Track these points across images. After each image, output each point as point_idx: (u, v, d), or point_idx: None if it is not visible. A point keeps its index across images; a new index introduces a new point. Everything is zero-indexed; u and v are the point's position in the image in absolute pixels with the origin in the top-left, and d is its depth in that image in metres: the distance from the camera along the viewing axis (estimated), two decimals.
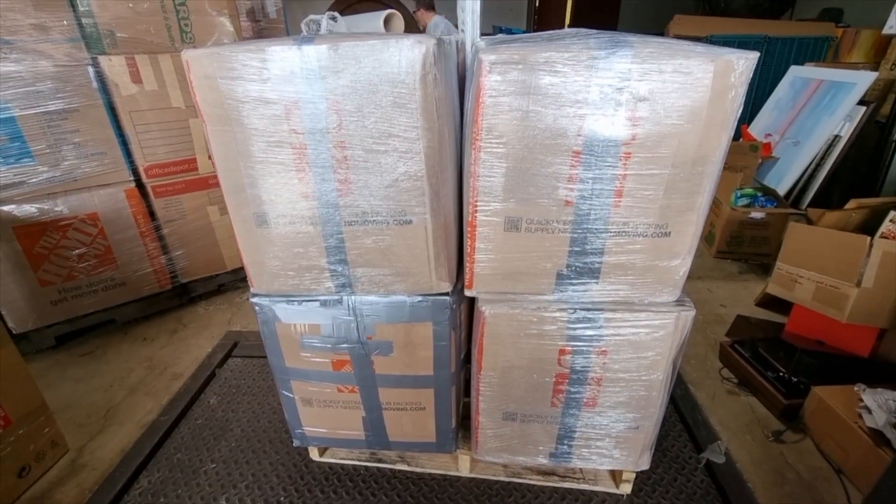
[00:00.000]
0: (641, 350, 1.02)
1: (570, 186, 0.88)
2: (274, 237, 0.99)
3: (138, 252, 1.98)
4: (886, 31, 3.00)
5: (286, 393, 1.22)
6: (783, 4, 4.76)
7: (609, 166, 0.86)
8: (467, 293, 1.04)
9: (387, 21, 1.56)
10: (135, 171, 1.92)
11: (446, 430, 1.23)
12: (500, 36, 1.06)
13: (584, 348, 1.03)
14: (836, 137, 2.90)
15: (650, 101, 0.80)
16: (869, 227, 1.72)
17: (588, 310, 1.00)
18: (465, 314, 1.19)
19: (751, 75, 0.79)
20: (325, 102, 0.84)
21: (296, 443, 1.31)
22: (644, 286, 0.98)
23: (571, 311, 1.00)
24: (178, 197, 2.04)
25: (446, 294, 1.04)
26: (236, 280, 2.33)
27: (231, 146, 0.91)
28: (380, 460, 1.37)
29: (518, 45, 0.81)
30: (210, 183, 2.10)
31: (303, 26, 1.60)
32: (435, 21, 3.70)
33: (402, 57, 0.80)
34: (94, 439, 1.48)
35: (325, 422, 1.25)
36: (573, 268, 0.97)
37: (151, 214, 2.00)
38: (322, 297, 1.06)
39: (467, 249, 0.99)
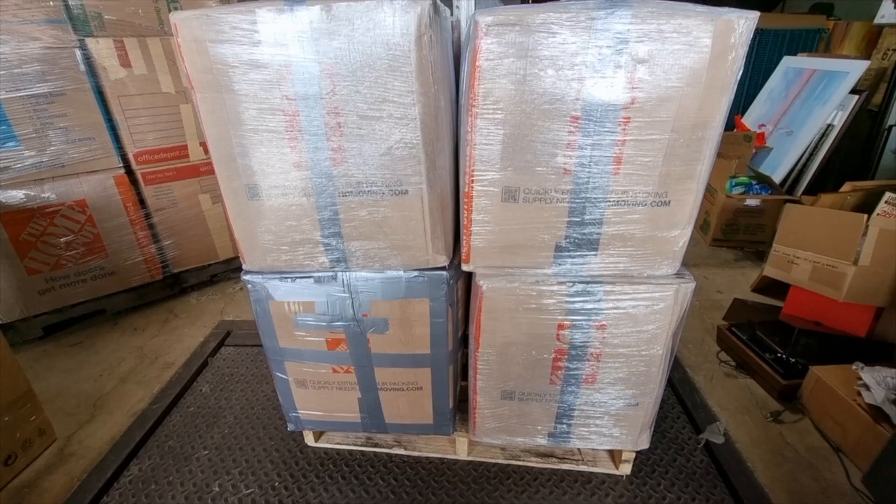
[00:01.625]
0: (641, 324, 1.01)
1: (568, 153, 0.87)
2: (266, 210, 0.96)
3: (128, 241, 1.94)
4: (878, 20, 3.02)
5: (280, 374, 1.19)
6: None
7: (608, 132, 0.84)
8: (464, 267, 1.02)
9: None
10: (124, 158, 1.89)
11: (444, 410, 1.21)
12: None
13: (583, 323, 1.01)
14: (829, 126, 2.92)
15: (650, 62, 0.78)
16: (864, 208, 1.72)
17: (587, 283, 0.98)
18: (462, 292, 1.17)
19: (751, 36, 0.77)
20: (318, 66, 0.82)
21: (290, 427, 1.29)
22: (643, 258, 0.97)
23: (570, 284, 0.99)
24: (169, 184, 2.01)
25: (443, 269, 1.02)
26: (228, 270, 2.30)
27: (221, 114, 0.88)
28: (376, 445, 1.34)
29: (515, 8, 0.79)
30: (202, 171, 2.07)
31: None
32: None
33: (396, 18, 0.78)
34: (83, 428, 1.45)
35: (321, 404, 1.23)
36: (572, 239, 0.96)
37: (141, 202, 1.96)
38: (316, 273, 1.04)
39: (464, 222, 0.97)
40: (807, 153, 2.97)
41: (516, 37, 0.78)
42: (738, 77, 0.81)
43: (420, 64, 0.82)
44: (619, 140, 0.84)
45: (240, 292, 2.22)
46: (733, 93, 0.82)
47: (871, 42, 3.23)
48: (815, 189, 2.87)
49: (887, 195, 1.66)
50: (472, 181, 0.91)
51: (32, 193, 1.70)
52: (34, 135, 1.67)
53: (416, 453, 1.33)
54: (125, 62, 1.78)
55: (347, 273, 1.04)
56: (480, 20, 0.78)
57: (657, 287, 0.97)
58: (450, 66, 0.96)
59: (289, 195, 0.94)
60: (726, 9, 0.77)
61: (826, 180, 2.91)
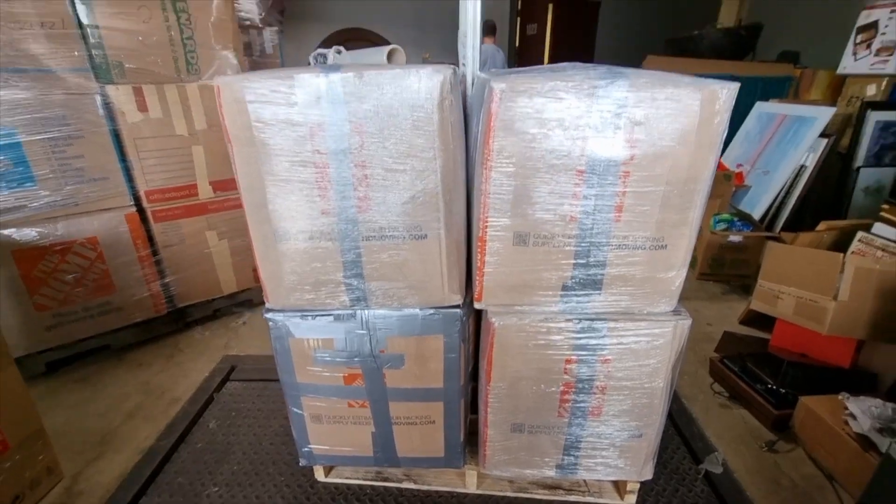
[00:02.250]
0: (643, 358, 1.08)
1: (574, 203, 0.96)
2: (293, 252, 1.03)
3: (136, 276, 1.97)
4: (840, 71, 3.29)
5: (295, 410, 1.23)
6: (745, 48, 5.13)
7: (610, 184, 0.93)
8: (477, 306, 1.09)
9: (389, 56, 1.66)
10: (135, 196, 1.94)
11: (455, 444, 1.24)
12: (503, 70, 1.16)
13: (589, 357, 1.08)
14: (802, 167, 3.11)
15: (645, 125, 0.89)
16: (839, 246, 1.84)
17: (592, 320, 1.06)
18: (472, 328, 1.23)
19: (733, 103, 0.89)
20: (349, 125, 0.91)
21: (302, 462, 1.31)
22: (643, 296, 1.05)
23: (577, 321, 1.06)
24: (177, 222, 2.06)
25: (457, 307, 1.09)
26: (232, 305, 2.33)
27: (255, 165, 0.96)
28: (386, 479, 1.36)
29: (525, 76, 0.90)
30: (209, 208, 2.13)
31: (311, 59, 1.69)
32: (484, 47, 3.77)
33: (421, 84, 0.88)
34: (90, 465, 1.44)
35: (334, 439, 1.26)
36: (578, 279, 1.03)
37: (150, 239, 2.01)
38: (336, 312, 1.10)
39: (477, 263, 1.04)
40: (783, 192, 3.15)
41: (527, 101, 0.88)
42: (724, 137, 0.91)
43: (442, 124, 0.91)
44: (619, 191, 0.94)
45: (243, 327, 2.24)
46: (720, 151, 0.93)
47: (836, 89, 3.49)
48: (792, 225, 3.04)
49: (860, 234, 1.79)
50: (486, 227, 0.99)
51: (46, 231, 1.74)
52: (51, 175, 1.73)
53: (425, 487, 1.35)
54: (142, 107, 1.87)
55: (366, 311, 1.10)
56: (496, 87, 0.88)
57: (657, 324, 1.05)
58: (462, 121, 1.06)
59: (315, 239, 1.01)
60: (711, 80, 0.88)
61: (802, 217, 3.08)
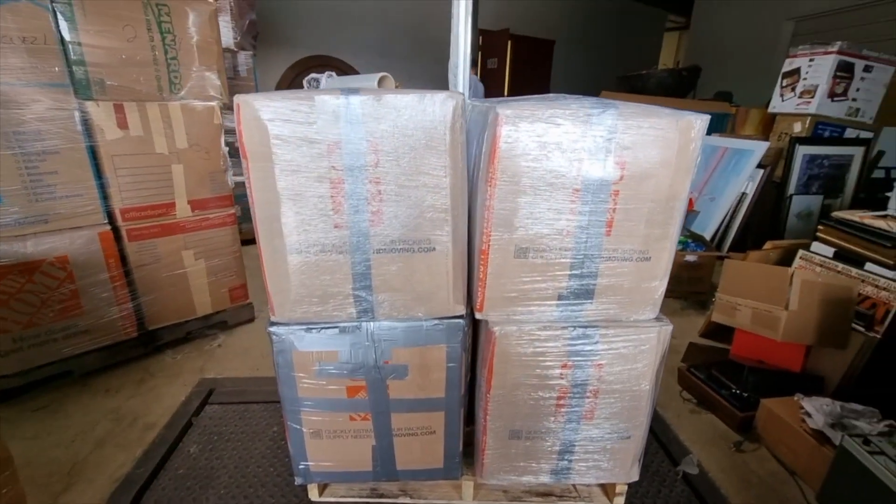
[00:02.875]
0: (631, 362, 1.16)
1: (570, 218, 1.05)
2: (303, 265, 1.05)
3: (106, 297, 1.89)
4: (771, 110, 3.69)
5: (294, 425, 1.22)
6: (687, 87, 5.66)
7: (602, 202, 1.04)
8: (478, 316, 1.15)
9: (380, 82, 1.74)
10: (109, 214, 1.88)
11: (454, 454, 1.27)
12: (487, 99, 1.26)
13: (583, 363, 1.15)
14: (744, 194, 3.44)
15: (633, 149, 1.00)
16: (783, 263, 2.06)
17: (585, 327, 1.14)
18: (470, 339, 1.28)
19: (705, 131, 1.02)
20: (366, 143, 0.97)
21: (298, 480, 1.29)
22: (630, 305, 1.15)
23: (571, 328, 1.14)
24: (153, 241, 2.00)
25: (460, 317, 1.14)
26: (205, 327, 2.25)
27: (270, 181, 0.99)
28: (381, 496, 1.36)
29: (526, 104, 0.99)
30: (187, 227, 2.09)
31: (305, 82, 1.75)
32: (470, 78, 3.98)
33: (436, 108, 0.96)
34: (59, 497, 1.35)
35: (333, 454, 1.25)
36: (572, 289, 1.12)
37: (123, 259, 1.94)
38: (342, 324, 1.12)
39: (479, 275, 1.11)
40: (728, 216, 3.45)
41: (529, 126, 0.98)
42: (698, 162, 1.04)
43: (452, 144, 0.99)
44: (610, 208, 1.04)
45: (218, 349, 2.17)
46: (695, 173, 1.06)
47: (767, 125, 3.91)
48: (738, 246, 3.32)
49: (801, 252, 2.01)
50: (489, 240, 1.06)
51: (12, 249, 1.65)
52: (22, 191, 1.65)
53: (422, 501, 1.36)
54: (122, 124, 1.83)
55: (372, 323, 1.13)
56: (501, 112, 0.97)
57: (643, 329, 1.15)
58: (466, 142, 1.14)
59: (327, 252, 1.04)
60: (687, 112, 1.02)
61: (746, 238, 3.38)
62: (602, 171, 1.01)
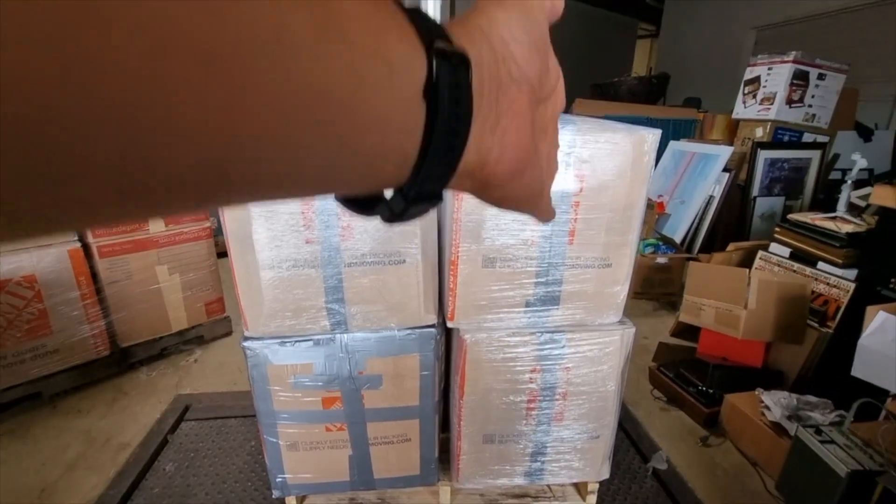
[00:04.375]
0: (596, 364, 1.22)
1: (534, 228, 1.10)
2: (276, 280, 1.07)
3: (76, 316, 1.86)
4: (734, 116, 3.85)
5: (270, 439, 1.23)
6: (657, 94, 5.85)
7: (563, 212, 1.09)
8: (449, 324, 1.18)
9: None
10: (79, 231, 1.86)
11: (430, 460, 1.30)
12: None
13: (552, 366, 1.20)
14: (711, 197, 3.57)
15: (591, 162, 1.05)
16: (745, 263, 2.15)
17: (552, 332, 1.19)
18: (442, 347, 1.31)
19: (657, 145, 1.08)
20: None
21: (275, 494, 1.29)
22: (594, 309, 1.20)
23: (539, 334, 1.18)
24: (125, 256, 1.98)
25: (432, 326, 1.18)
26: (181, 342, 2.23)
27: None
28: None
29: None
30: (160, 243, 2.07)
31: None
32: None
33: None
34: None
35: (310, 466, 1.27)
36: (539, 296, 1.16)
37: (93, 276, 1.91)
38: (316, 336, 1.14)
39: (449, 285, 1.14)
40: (697, 218, 3.58)
41: None
42: (652, 173, 1.10)
43: None
44: (572, 218, 1.09)
45: (194, 365, 2.15)
46: (650, 183, 1.12)
47: (732, 130, 4.07)
48: (707, 247, 3.45)
49: (760, 253, 2.11)
50: (458, 251, 1.10)
51: None
52: None
53: None
54: None
55: (346, 334, 1.15)
56: None
57: (607, 333, 1.20)
58: None
59: (299, 267, 1.07)
60: (640, 127, 1.08)
61: (714, 239, 3.51)
62: (563, 184, 1.06)
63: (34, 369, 1.80)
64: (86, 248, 1.87)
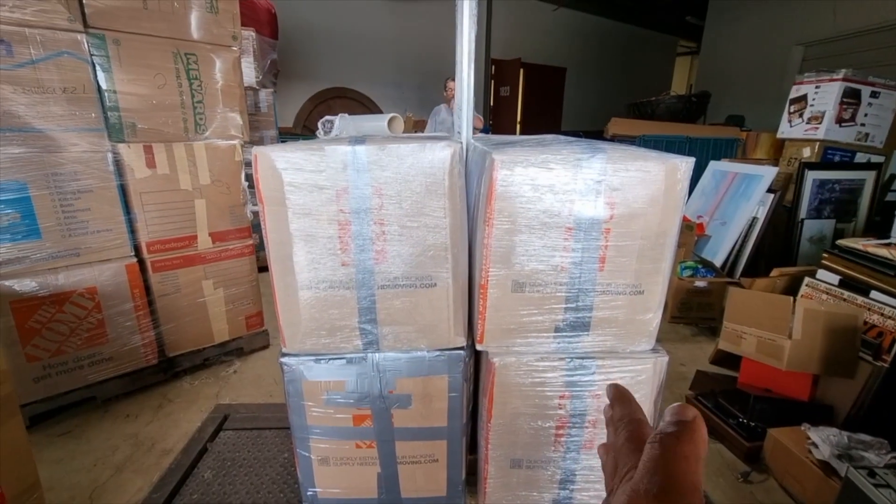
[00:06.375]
0: None
1: (564, 255, 1.10)
2: (313, 300, 1.13)
3: (129, 326, 1.99)
4: (779, 135, 3.71)
5: (303, 452, 1.27)
6: (696, 112, 5.71)
7: (594, 239, 1.09)
8: (479, 347, 1.20)
9: (390, 122, 1.84)
10: (136, 247, 2.00)
11: (456, 481, 1.30)
12: (492, 136, 1.33)
13: (581, 393, 1.19)
14: (755, 219, 3.43)
15: (621, 190, 1.06)
16: (790, 290, 2.06)
17: (582, 358, 1.18)
18: (471, 369, 1.33)
19: (690, 173, 1.07)
20: (371, 188, 1.05)
21: None
22: (626, 336, 1.19)
23: (569, 360, 1.18)
24: (175, 271, 2.11)
25: (461, 348, 1.20)
26: (222, 353, 2.33)
27: (283, 222, 1.07)
28: None
29: (519, 149, 1.07)
30: (207, 258, 2.19)
31: (319, 124, 1.86)
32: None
33: (435, 156, 1.03)
34: None
35: (340, 481, 1.30)
36: (568, 322, 1.17)
37: (147, 289, 2.05)
38: (349, 355, 1.19)
39: (478, 309, 1.16)
40: (739, 240, 3.45)
41: (523, 170, 1.05)
42: (686, 201, 1.10)
43: (451, 188, 1.06)
44: (602, 245, 1.10)
45: (233, 375, 2.25)
46: (683, 211, 1.11)
47: (777, 149, 3.92)
48: (750, 270, 3.31)
49: (806, 279, 2.02)
50: (488, 276, 1.12)
51: (45, 282, 1.77)
52: (56, 227, 1.78)
53: None
54: (151, 164, 1.97)
55: (377, 354, 1.19)
56: (497, 158, 1.04)
57: (639, 361, 1.18)
58: (464, 184, 1.21)
59: (335, 288, 1.12)
60: (672, 154, 1.07)
61: (758, 263, 3.36)
62: (593, 211, 1.07)
63: (91, 375, 1.93)
64: (141, 263, 2.01)
